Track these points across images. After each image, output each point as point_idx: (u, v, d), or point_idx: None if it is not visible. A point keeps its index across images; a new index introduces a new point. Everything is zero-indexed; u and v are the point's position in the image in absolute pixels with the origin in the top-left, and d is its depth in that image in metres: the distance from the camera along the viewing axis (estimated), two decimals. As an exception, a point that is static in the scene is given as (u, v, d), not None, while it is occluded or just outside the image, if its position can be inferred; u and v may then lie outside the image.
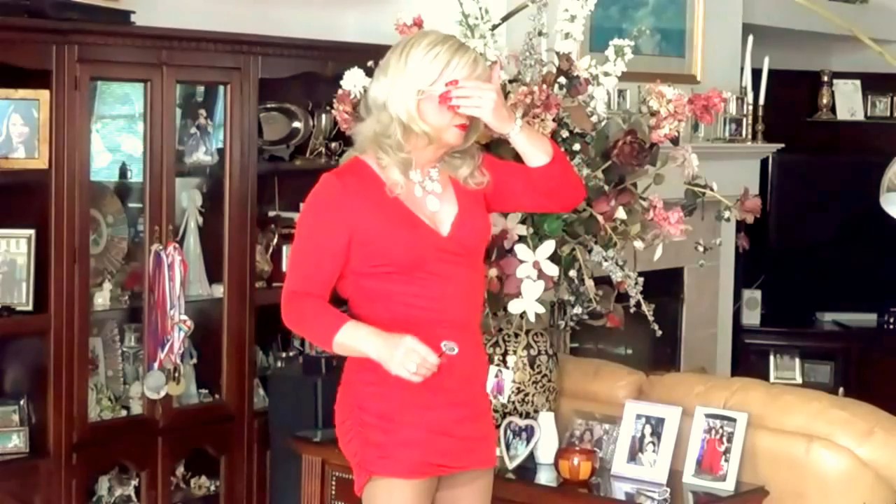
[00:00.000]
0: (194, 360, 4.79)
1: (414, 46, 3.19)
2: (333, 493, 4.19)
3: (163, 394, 4.55)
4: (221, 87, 4.74)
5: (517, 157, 3.39)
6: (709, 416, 3.91)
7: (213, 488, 4.81)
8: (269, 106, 5.00)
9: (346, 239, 3.18)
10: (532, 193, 3.36)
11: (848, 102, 7.89)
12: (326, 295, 3.22)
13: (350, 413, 3.28)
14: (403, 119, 3.17)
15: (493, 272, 3.77)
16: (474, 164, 3.30)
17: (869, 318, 7.50)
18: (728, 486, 3.83)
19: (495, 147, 3.66)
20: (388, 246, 3.18)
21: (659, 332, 3.99)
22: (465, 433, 3.27)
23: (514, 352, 3.99)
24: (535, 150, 3.30)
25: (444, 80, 3.16)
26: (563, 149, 3.73)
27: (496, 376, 3.95)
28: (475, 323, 3.33)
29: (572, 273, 3.96)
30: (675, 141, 4.05)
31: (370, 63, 4.00)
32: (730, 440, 3.85)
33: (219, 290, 4.77)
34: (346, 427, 3.30)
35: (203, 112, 4.74)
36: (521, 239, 3.83)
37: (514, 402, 4.03)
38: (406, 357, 3.07)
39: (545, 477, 3.96)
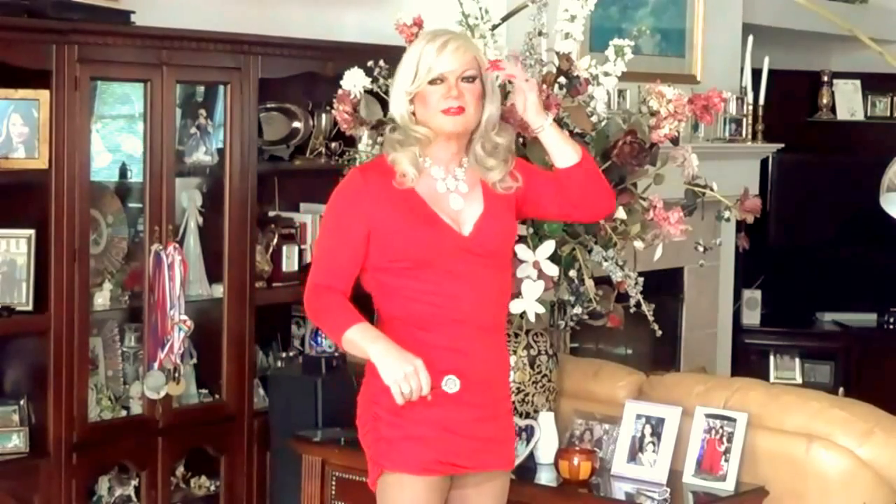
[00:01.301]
0: (194, 360, 4.78)
1: (408, 50, 3.30)
2: (333, 493, 4.19)
3: (163, 394, 4.55)
4: (221, 87, 4.74)
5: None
6: (709, 416, 3.91)
7: (213, 488, 4.81)
8: (269, 106, 5.00)
9: (365, 232, 3.24)
10: (560, 200, 3.36)
11: (848, 102, 7.89)
12: (349, 288, 3.28)
13: (367, 407, 3.32)
14: (400, 123, 3.27)
15: (494, 272, 3.77)
16: (506, 168, 3.32)
17: (869, 318, 7.50)
18: (728, 486, 3.82)
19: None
20: (404, 241, 3.22)
21: (659, 332, 3.99)
22: (480, 433, 3.28)
23: (514, 352, 3.99)
24: (565, 148, 3.32)
25: (421, 74, 3.22)
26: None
27: (496, 376, 3.96)
28: (497, 324, 3.35)
29: (572, 273, 3.96)
30: (675, 141, 4.05)
31: (370, 63, 4.01)
32: (730, 440, 3.85)
33: (219, 290, 4.77)
34: (363, 420, 3.34)
35: (203, 112, 4.74)
36: (521, 239, 3.82)
37: (514, 402, 4.03)
38: (409, 377, 3.13)
39: (545, 477, 3.96)
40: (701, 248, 4.23)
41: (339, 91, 4.01)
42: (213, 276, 4.79)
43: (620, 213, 3.90)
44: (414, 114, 3.26)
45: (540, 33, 4.06)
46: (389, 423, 3.24)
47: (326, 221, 3.34)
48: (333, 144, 5.10)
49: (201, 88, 4.86)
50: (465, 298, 3.23)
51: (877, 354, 7.28)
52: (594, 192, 3.37)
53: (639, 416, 3.99)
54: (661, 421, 3.95)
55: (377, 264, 3.25)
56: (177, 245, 4.55)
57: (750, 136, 6.50)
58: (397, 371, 3.13)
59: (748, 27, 6.57)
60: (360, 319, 3.20)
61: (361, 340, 3.18)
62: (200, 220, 4.78)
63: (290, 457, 4.35)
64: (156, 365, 4.51)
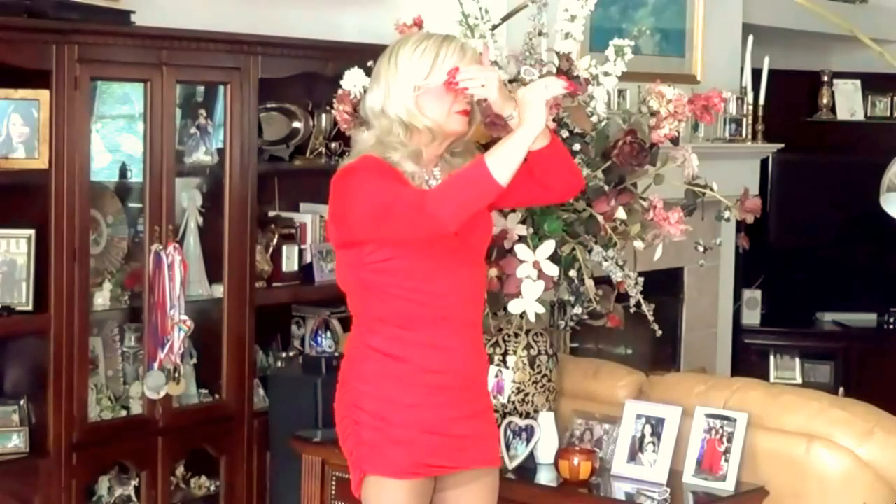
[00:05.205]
0: (194, 360, 4.79)
1: (401, 48, 3.26)
2: (333, 493, 4.19)
3: (163, 394, 4.55)
4: (221, 87, 4.74)
5: None
6: (709, 416, 3.91)
7: (213, 488, 4.81)
8: (269, 106, 5.00)
9: None
10: (529, 183, 3.32)
11: (848, 102, 7.89)
12: None
13: (347, 411, 3.30)
14: (404, 118, 3.22)
15: (493, 272, 3.77)
16: (471, 158, 3.31)
17: (869, 318, 7.50)
18: (728, 486, 3.82)
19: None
20: None
21: (659, 332, 3.99)
22: (460, 432, 3.27)
23: (514, 352, 3.99)
24: None
25: (437, 73, 3.20)
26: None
27: (496, 376, 3.96)
28: (476, 321, 3.34)
29: (572, 273, 3.96)
30: (675, 141, 4.05)
31: (370, 63, 4.00)
32: (730, 440, 3.85)
33: (219, 290, 4.77)
34: (343, 425, 3.33)
35: (203, 112, 4.74)
36: (521, 239, 3.82)
37: (514, 402, 4.03)
38: (549, 87, 3.12)
39: (545, 477, 3.96)
40: (701, 248, 4.23)
41: (339, 91, 4.00)
42: (213, 276, 4.79)
43: (620, 213, 3.90)
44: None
45: (540, 33, 4.06)
46: (371, 427, 3.23)
47: (371, 177, 3.14)
48: (333, 144, 5.11)
49: (201, 88, 4.87)
50: (447, 295, 3.23)
51: (877, 354, 7.28)
52: (564, 173, 3.35)
53: (639, 416, 3.99)
54: (661, 421, 3.95)
55: (366, 261, 3.21)
56: (177, 245, 4.55)
57: (750, 136, 6.50)
58: (540, 106, 3.09)
59: (748, 27, 6.57)
60: (479, 157, 3.11)
61: (504, 148, 3.06)
62: (200, 220, 4.78)
63: (290, 457, 4.35)
64: (156, 365, 4.51)
